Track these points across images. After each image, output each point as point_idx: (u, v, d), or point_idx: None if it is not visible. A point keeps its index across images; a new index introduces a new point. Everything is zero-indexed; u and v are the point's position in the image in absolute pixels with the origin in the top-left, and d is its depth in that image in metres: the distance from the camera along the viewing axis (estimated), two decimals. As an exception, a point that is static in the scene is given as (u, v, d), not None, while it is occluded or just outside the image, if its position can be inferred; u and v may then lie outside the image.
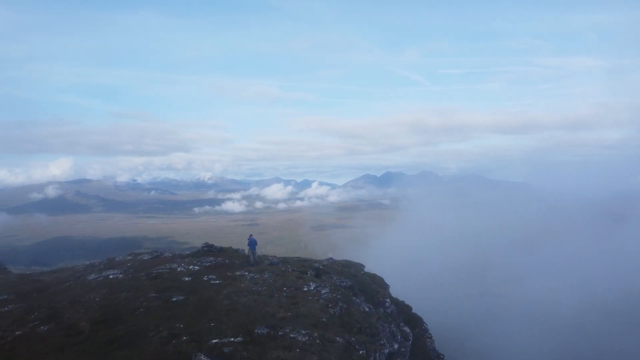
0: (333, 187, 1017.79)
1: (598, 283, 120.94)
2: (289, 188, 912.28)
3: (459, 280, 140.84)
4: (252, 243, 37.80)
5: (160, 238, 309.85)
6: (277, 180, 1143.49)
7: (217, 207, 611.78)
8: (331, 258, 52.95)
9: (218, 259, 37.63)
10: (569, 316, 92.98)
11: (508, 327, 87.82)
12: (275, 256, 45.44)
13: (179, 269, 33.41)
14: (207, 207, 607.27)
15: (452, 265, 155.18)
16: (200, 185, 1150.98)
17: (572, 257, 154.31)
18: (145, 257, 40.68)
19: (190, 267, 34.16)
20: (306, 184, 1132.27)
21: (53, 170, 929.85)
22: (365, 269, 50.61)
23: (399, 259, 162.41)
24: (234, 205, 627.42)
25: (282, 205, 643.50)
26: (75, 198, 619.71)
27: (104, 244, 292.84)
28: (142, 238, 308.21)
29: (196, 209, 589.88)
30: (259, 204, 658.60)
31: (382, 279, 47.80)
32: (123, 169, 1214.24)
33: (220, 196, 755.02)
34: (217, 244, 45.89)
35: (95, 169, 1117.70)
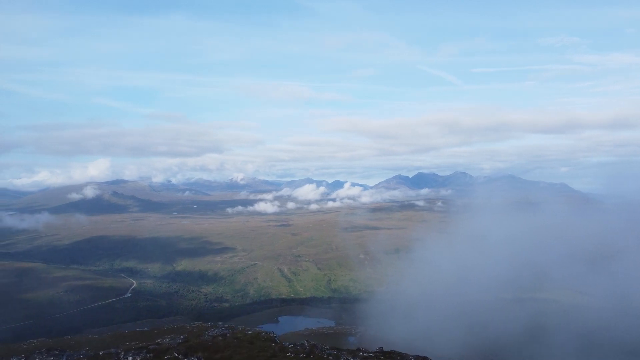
0: (365, 187, 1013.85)
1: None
2: (321, 189, 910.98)
3: (508, 287, 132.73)
4: None
5: (193, 238, 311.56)
6: (309, 181, 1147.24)
7: (250, 208, 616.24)
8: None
9: None
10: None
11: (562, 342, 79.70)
12: None
13: None
14: (239, 208, 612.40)
15: (498, 272, 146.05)
16: (232, 185, 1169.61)
17: (631, 270, 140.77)
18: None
19: None
20: (338, 184, 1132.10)
21: (91, 171, 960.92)
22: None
23: (440, 265, 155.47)
24: (266, 205, 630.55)
25: (314, 206, 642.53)
26: (112, 198, 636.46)
27: (140, 243, 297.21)
28: (176, 238, 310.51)
29: (229, 210, 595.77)
30: (291, 205, 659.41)
31: None
32: (158, 169, 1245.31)
33: (252, 197, 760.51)
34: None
35: (132, 169, 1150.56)
